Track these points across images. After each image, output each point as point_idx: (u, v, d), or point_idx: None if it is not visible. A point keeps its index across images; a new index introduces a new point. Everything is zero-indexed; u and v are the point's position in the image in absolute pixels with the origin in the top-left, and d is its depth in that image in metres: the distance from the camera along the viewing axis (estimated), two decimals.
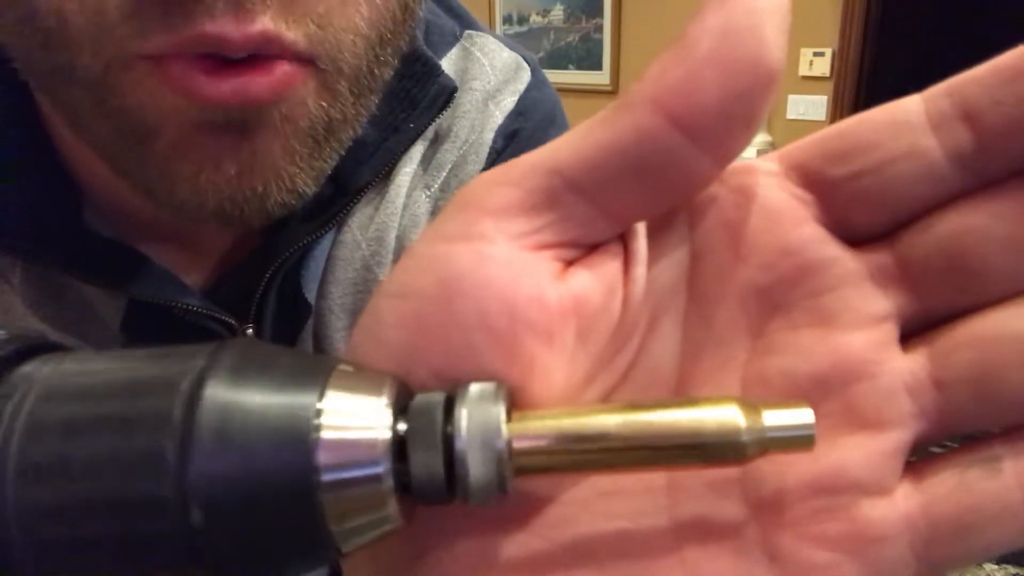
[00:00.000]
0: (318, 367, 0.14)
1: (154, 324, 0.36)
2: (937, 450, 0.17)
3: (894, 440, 0.16)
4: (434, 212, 0.42)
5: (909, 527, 0.15)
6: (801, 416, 0.14)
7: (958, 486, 0.15)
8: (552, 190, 0.15)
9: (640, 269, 0.16)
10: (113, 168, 0.30)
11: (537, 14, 3.45)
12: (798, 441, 0.14)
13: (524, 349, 0.15)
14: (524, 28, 3.49)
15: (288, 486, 0.13)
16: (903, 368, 0.16)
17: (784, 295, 0.16)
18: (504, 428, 0.14)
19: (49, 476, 0.13)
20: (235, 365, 0.14)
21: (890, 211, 0.16)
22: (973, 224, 0.15)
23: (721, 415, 0.14)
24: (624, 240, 0.16)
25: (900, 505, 0.15)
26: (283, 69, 0.27)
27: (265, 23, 0.25)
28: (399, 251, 0.42)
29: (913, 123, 0.15)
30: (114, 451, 0.13)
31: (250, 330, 0.38)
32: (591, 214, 0.16)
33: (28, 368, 0.14)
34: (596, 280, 0.16)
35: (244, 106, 0.27)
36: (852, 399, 0.16)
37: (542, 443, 0.14)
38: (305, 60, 0.27)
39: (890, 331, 0.16)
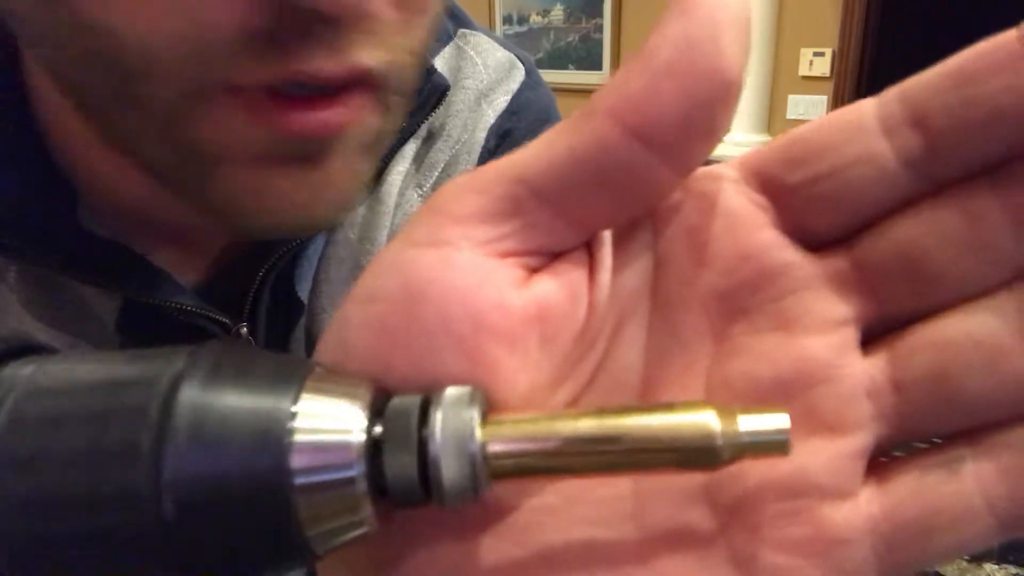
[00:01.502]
0: (295, 370, 0.14)
1: (149, 323, 0.35)
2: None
3: (855, 443, 0.16)
4: None
5: (871, 530, 0.15)
6: (776, 421, 0.14)
7: (919, 489, 0.15)
8: (517, 198, 0.15)
9: (605, 275, 0.16)
10: (167, 189, 0.29)
11: (537, 14, 3.45)
12: (773, 446, 0.14)
13: (487, 354, 0.15)
14: (524, 28, 3.49)
15: (261, 487, 0.13)
16: (863, 372, 0.16)
17: (745, 300, 0.16)
18: (478, 432, 0.14)
19: (27, 469, 0.13)
20: (213, 366, 0.14)
21: (846, 215, 0.16)
22: (928, 228, 0.15)
23: (697, 419, 0.14)
24: (589, 247, 0.17)
25: (862, 508, 0.15)
26: (360, 98, 0.27)
27: (355, 56, 0.25)
28: None
29: (866, 128, 0.15)
30: (90, 444, 0.13)
31: (244, 329, 0.38)
32: (555, 222, 0.16)
33: (11, 369, 0.15)
34: (560, 287, 0.16)
35: (323, 138, 0.26)
36: (813, 403, 0.16)
37: (517, 446, 0.14)
38: (377, 86, 0.27)
39: (850, 335, 0.16)
